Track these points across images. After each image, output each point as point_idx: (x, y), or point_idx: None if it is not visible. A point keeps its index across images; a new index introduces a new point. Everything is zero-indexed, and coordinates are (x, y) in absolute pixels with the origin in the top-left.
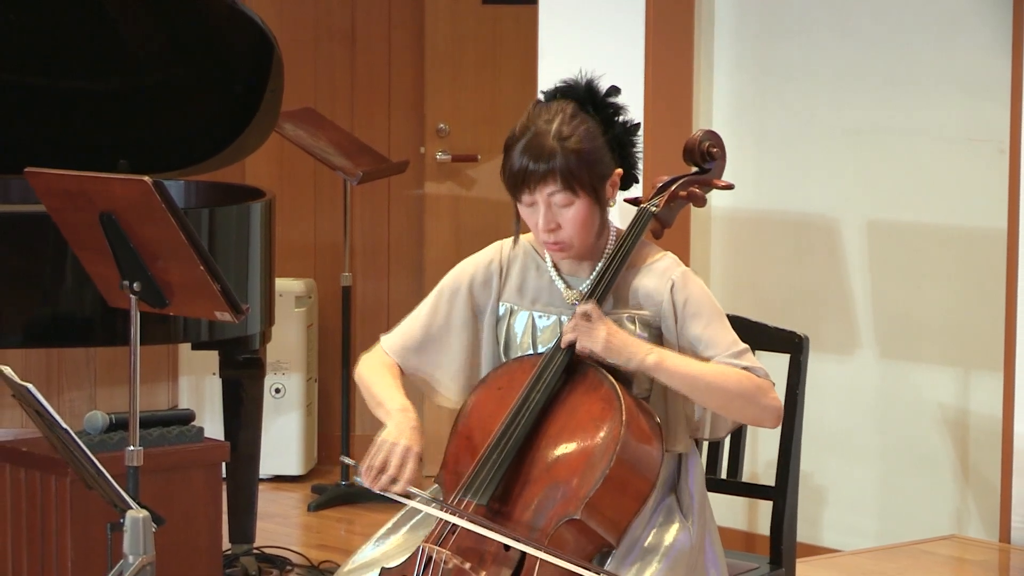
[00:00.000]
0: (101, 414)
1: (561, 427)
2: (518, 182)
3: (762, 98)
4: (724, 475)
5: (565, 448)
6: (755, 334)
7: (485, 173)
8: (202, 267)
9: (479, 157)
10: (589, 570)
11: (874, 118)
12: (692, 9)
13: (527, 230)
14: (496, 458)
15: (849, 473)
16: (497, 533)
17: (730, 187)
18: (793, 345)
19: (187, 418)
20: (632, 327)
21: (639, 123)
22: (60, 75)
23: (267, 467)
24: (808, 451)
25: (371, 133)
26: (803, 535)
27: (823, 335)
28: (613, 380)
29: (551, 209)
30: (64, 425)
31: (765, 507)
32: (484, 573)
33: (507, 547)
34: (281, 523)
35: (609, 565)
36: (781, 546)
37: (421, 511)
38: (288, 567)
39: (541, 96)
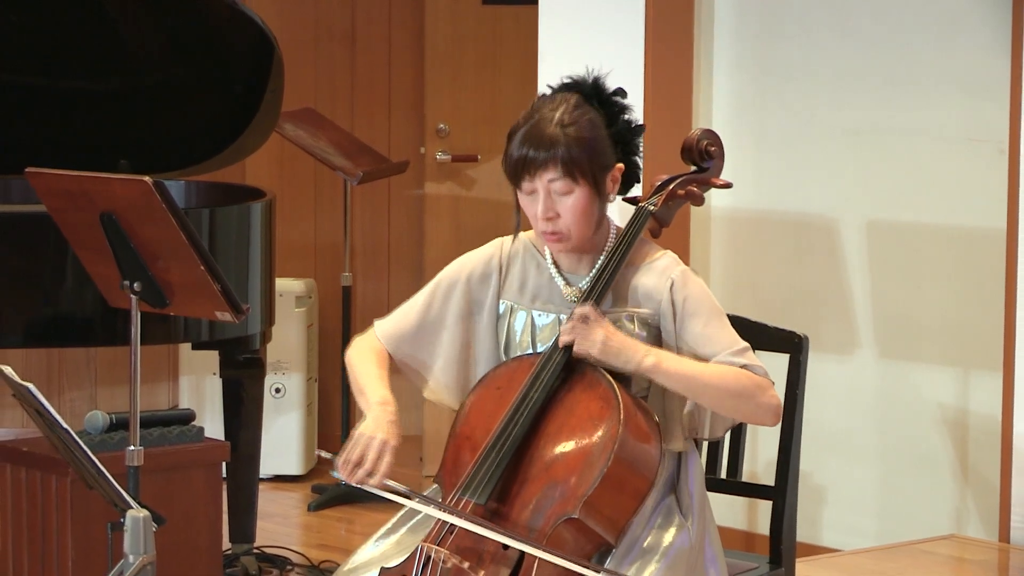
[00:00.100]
0: (101, 414)
1: (559, 426)
2: (519, 168)
3: (762, 98)
4: (724, 475)
5: (563, 447)
6: (755, 334)
7: (485, 173)
8: (202, 267)
9: (479, 157)
10: (588, 568)
11: (874, 118)
12: (692, 9)
13: (527, 227)
14: (494, 458)
15: (849, 473)
16: (495, 532)
17: (728, 186)
18: (793, 345)
19: (187, 418)
20: (631, 326)
21: (644, 125)
22: (60, 75)
23: (267, 467)
24: (808, 451)
25: (371, 133)
26: (803, 535)
27: (823, 335)
28: (611, 379)
29: (550, 197)
30: (65, 425)
31: (765, 507)
32: (483, 572)
33: (506, 546)
34: (281, 523)
35: (608, 565)
36: (781, 546)
37: (421, 511)
38: (288, 567)
39: (548, 90)
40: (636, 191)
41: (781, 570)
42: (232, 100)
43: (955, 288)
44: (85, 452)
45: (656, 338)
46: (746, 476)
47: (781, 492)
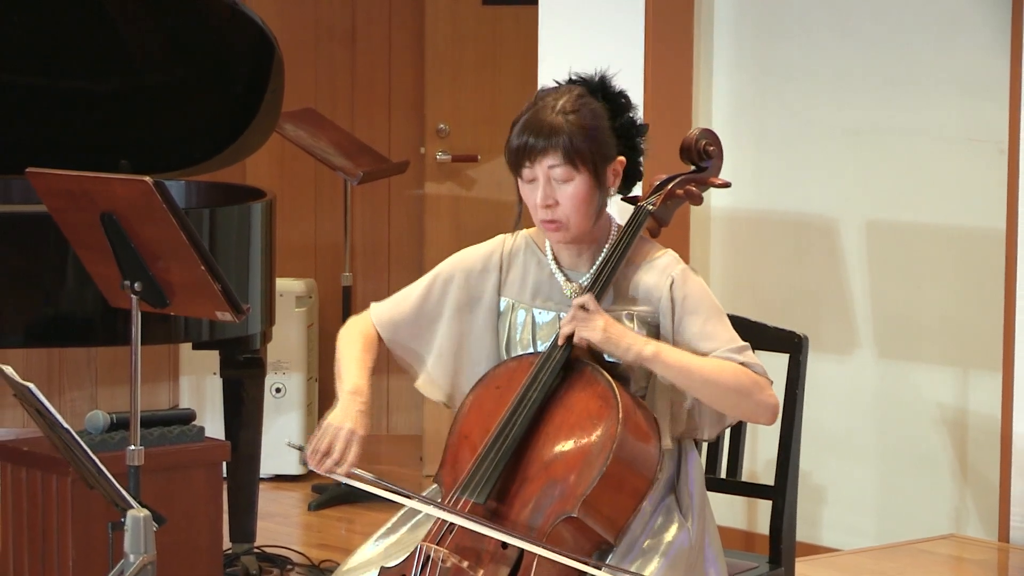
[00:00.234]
0: (102, 414)
1: (558, 425)
2: (519, 155)
3: (762, 98)
4: (723, 474)
5: (562, 446)
6: (754, 334)
7: (485, 173)
8: (203, 267)
9: (479, 157)
10: (587, 565)
11: (874, 118)
12: (692, 9)
13: (528, 222)
14: (493, 457)
15: (848, 473)
16: (494, 530)
17: (727, 185)
18: (792, 345)
19: (188, 418)
20: (630, 324)
21: (647, 125)
22: (60, 75)
23: (267, 467)
24: (807, 451)
25: (371, 133)
26: (802, 534)
27: (822, 335)
28: (610, 378)
29: (550, 184)
30: (65, 425)
31: (764, 506)
32: (482, 572)
33: (505, 545)
34: (282, 522)
35: (608, 563)
36: (780, 545)
37: (420, 511)
38: (289, 566)
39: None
40: (637, 191)
41: (781, 570)
42: (232, 100)
43: (955, 288)
44: (86, 452)
45: (655, 337)
46: (746, 476)
47: (781, 492)
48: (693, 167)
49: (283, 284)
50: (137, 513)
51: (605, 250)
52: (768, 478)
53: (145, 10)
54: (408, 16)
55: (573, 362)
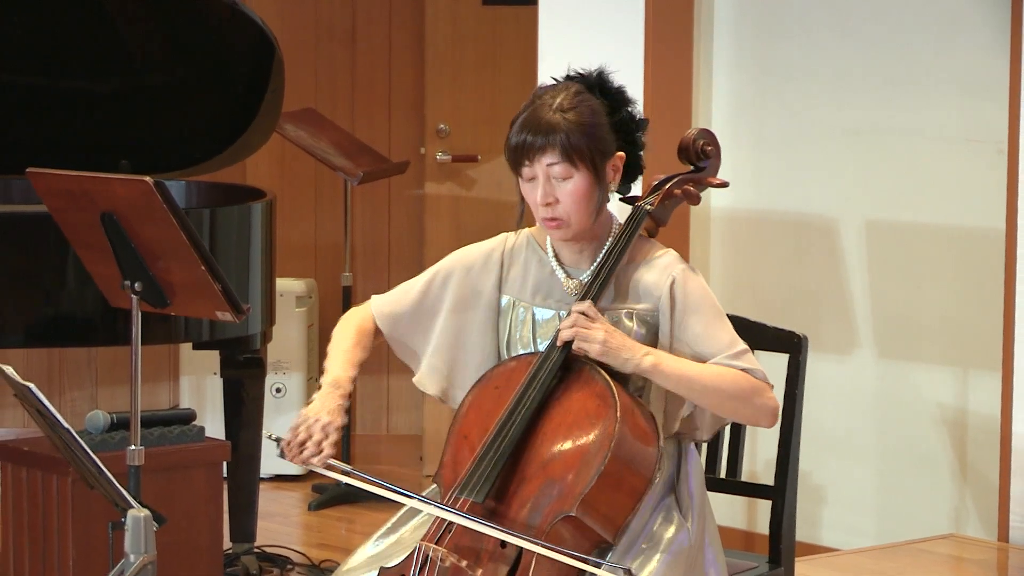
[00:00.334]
0: (102, 413)
1: (557, 424)
2: (518, 154)
3: (761, 98)
4: (723, 474)
5: (561, 445)
6: (754, 334)
7: (485, 173)
8: (203, 267)
9: (479, 157)
10: (587, 563)
11: (874, 118)
12: (692, 9)
13: (531, 220)
14: (492, 456)
15: (848, 472)
16: (493, 529)
17: (725, 185)
18: (792, 345)
19: (188, 417)
20: (630, 324)
21: (647, 119)
22: (60, 75)
23: (268, 466)
24: (807, 451)
25: (371, 133)
26: (802, 534)
27: (822, 335)
28: (608, 377)
29: (550, 182)
30: (66, 424)
31: (764, 506)
32: (481, 571)
33: (503, 544)
34: (282, 522)
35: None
36: (780, 545)
37: (421, 511)
38: (289, 566)
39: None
40: (637, 188)
41: (780, 570)
42: (232, 100)
43: (955, 288)
44: (86, 452)
45: (654, 336)
46: (746, 476)
47: (780, 492)
48: (691, 167)
49: (283, 284)
50: (137, 513)
51: (606, 247)
52: (768, 478)
53: (145, 10)
54: (408, 16)
55: (571, 362)
